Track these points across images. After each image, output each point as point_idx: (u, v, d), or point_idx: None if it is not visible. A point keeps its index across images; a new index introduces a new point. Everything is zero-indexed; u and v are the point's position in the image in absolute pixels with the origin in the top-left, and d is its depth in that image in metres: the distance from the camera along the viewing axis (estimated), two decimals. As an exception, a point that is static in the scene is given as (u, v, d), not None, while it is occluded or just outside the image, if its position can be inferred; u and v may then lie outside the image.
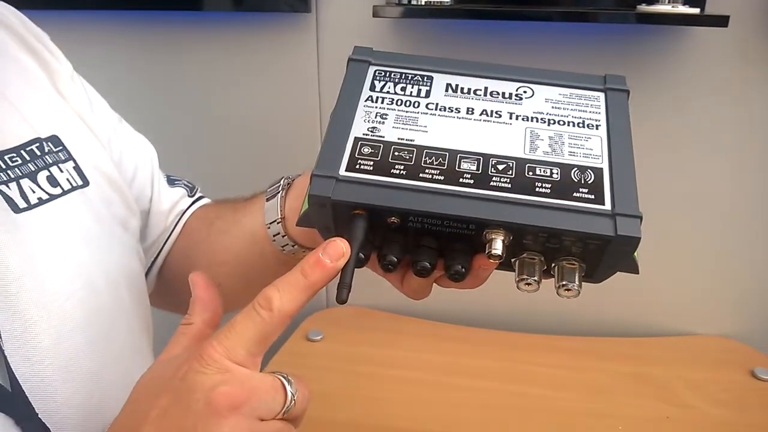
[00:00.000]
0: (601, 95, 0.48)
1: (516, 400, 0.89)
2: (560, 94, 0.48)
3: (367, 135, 0.45)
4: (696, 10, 0.85)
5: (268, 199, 0.58)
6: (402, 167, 0.43)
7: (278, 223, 0.56)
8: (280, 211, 0.57)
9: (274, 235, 0.57)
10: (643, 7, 0.86)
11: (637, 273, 0.43)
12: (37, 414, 0.44)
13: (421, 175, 0.42)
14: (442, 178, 0.42)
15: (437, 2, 0.88)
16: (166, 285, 0.69)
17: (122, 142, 0.63)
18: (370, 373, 0.95)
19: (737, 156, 0.95)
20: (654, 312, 1.06)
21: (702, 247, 1.01)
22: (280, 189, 0.57)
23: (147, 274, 0.67)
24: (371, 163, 0.43)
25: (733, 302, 1.03)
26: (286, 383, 0.40)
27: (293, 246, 0.57)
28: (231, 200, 0.66)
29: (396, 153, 0.43)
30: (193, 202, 0.69)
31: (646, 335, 1.05)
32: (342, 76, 0.49)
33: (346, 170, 0.42)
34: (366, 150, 0.44)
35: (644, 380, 0.94)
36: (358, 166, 0.43)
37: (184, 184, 0.70)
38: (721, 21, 0.83)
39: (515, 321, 1.07)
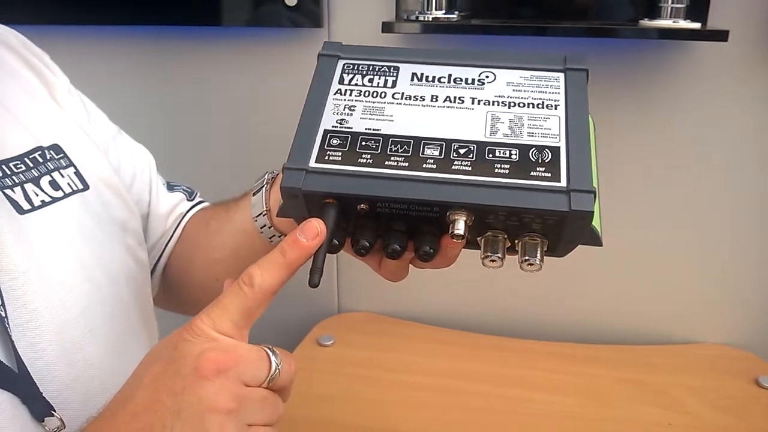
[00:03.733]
0: (561, 75, 0.50)
1: (518, 404, 0.91)
2: (521, 77, 0.50)
3: (335, 127, 0.47)
4: (697, 25, 0.86)
5: (254, 194, 0.62)
6: (369, 156, 0.45)
7: (264, 215, 0.60)
8: (265, 204, 0.60)
9: (261, 227, 0.60)
10: (646, 22, 0.88)
11: (601, 245, 0.45)
12: (42, 393, 0.48)
13: (386, 162, 0.45)
14: (407, 164, 0.44)
15: (445, 18, 0.91)
16: (169, 286, 0.72)
17: (120, 151, 0.67)
18: (378, 377, 0.97)
19: (739, 166, 0.96)
20: (656, 319, 1.07)
21: (705, 254, 1.02)
22: (264, 183, 0.61)
23: (151, 275, 0.70)
24: (340, 153, 0.45)
25: (737, 310, 1.04)
26: (271, 354, 0.43)
27: (279, 237, 0.60)
28: (226, 201, 0.69)
29: (363, 143, 0.46)
30: (193, 206, 0.73)
31: (648, 343, 1.06)
32: None
33: (315, 162, 0.45)
34: (335, 141, 0.46)
35: (646, 387, 0.95)
36: (327, 157, 0.45)
37: (183, 189, 0.73)
38: (721, 36, 0.85)
39: (520, 327, 1.09)
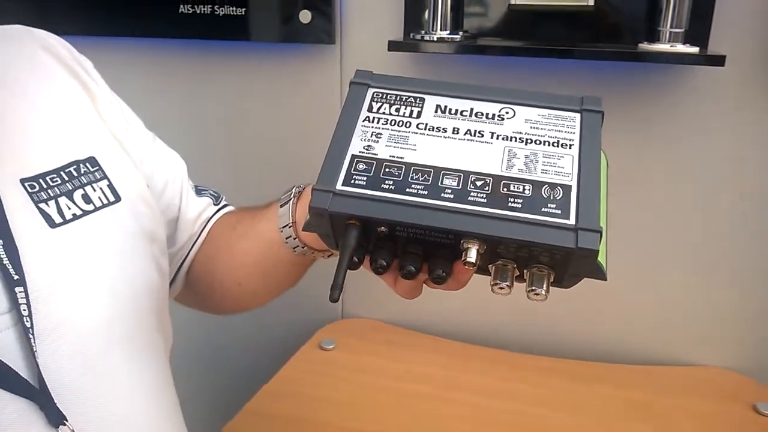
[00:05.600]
0: (578, 116, 0.51)
1: (514, 417, 0.92)
2: (539, 115, 0.51)
3: (362, 152, 0.49)
4: (695, 50, 0.88)
5: (281, 206, 0.64)
6: (391, 182, 0.47)
7: (290, 227, 0.62)
8: (291, 216, 0.62)
9: (286, 238, 0.63)
10: (645, 46, 0.90)
11: (605, 279, 0.47)
12: (55, 403, 0.50)
13: (407, 189, 0.47)
14: (426, 192, 0.47)
15: (449, 38, 0.94)
16: (192, 285, 0.75)
17: (155, 158, 0.70)
18: (376, 382, 1.00)
19: (737, 189, 0.97)
20: (658, 342, 1.07)
21: (707, 278, 1.03)
22: (291, 197, 0.63)
23: (176, 276, 0.73)
24: (364, 178, 0.47)
25: (736, 334, 1.04)
26: None
27: (303, 248, 0.63)
28: (251, 208, 0.72)
29: (387, 169, 0.48)
30: (218, 210, 0.75)
31: (649, 364, 1.06)
32: None
33: (342, 185, 0.47)
34: (361, 166, 0.48)
35: (644, 408, 0.95)
36: (353, 181, 0.47)
37: (210, 194, 0.76)
38: (718, 60, 0.87)
39: (521, 342, 1.10)
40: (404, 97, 0.52)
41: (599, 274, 0.47)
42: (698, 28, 0.90)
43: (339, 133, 0.50)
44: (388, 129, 0.51)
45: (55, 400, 0.50)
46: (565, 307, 1.06)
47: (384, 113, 0.52)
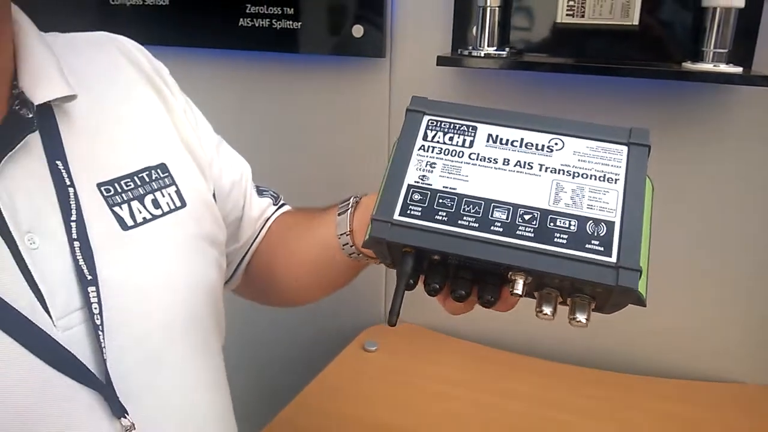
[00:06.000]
0: (624, 149, 0.52)
1: (545, 424, 0.94)
2: (587, 147, 0.52)
3: (418, 182, 0.51)
4: (738, 70, 0.90)
5: (339, 214, 0.67)
6: (444, 214, 0.50)
7: (347, 235, 0.66)
8: (349, 225, 0.66)
9: (343, 245, 0.66)
10: (689, 65, 0.92)
11: (644, 306, 0.49)
12: (117, 396, 0.54)
13: (459, 222, 0.49)
14: (477, 225, 0.49)
15: (496, 54, 0.98)
16: (251, 279, 0.79)
17: (222, 161, 0.74)
18: (416, 384, 1.03)
19: None
20: (695, 356, 1.08)
21: (749, 296, 1.03)
22: (349, 207, 0.67)
23: (236, 270, 0.77)
24: (420, 209, 0.50)
25: None
26: None
27: (359, 255, 0.66)
28: (308, 210, 0.76)
29: (440, 200, 0.50)
30: (277, 209, 0.80)
31: (686, 378, 1.08)
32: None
33: (399, 215, 0.50)
34: (416, 197, 0.51)
35: (680, 422, 0.96)
36: (409, 212, 0.50)
37: (271, 194, 0.80)
38: (762, 81, 0.88)
39: (558, 352, 1.12)
40: (457, 126, 0.54)
41: (639, 302, 0.48)
42: (743, 49, 0.91)
43: (396, 162, 0.53)
44: (442, 159, 0.52)
45: (118, 394, 0.54)
46: (603, 319, 1.08)
47: (438, 142, 0.53)
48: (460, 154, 0.52)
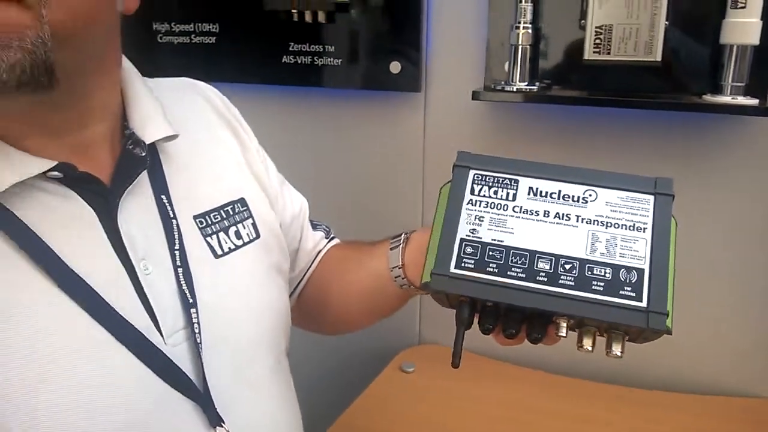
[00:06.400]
0: (651, 199, 0.59)
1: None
2: (618, 197, 0.59)
3: (469, 236, 0.58)
4: (754, 102, 0.96)
5: (391, 248, 0.74)
6: (495, 265, 0.57)
7: (399, 268, 0.72)
8: (401, 258, 0.72)
9: (395, 276, 0.72)
10: (708, 98, 0.98)
11: (671, 335, 0.55)
12: (215, 407, 0.60)
13: (508, 272, 0.56)
14: (524, 275, 0.56)
15: (526, 89, 1.04)
16: (302, 306, 0.85)
17: (286, 198, 0.81)
18: (453, 404, 1.08)
19: None
20: (729, 373, 1.12)
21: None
22: (401, 242, 0.73)
23: (289, 298, 0.82)
24: (472, 261, 0.57)
25: None
26: None
27: (410, 286, 0.72)
28: (358, 243, 0.83)
29: (490, 252, 0.57)
30: (328, 242, 0.86)
31: (719, 394, 1.12)
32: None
33: (454, 268, 0.57)
34: (469, 250, 0.58)
35: None
36: (463, 264, 0.57)
37: (324, 228, 0.87)
38: None
39: (591, 370, 1.16)
40: (501, 179, 0.60)
41: (667, 333, 0.55)
42: (758, 82, 0.97)
43: (448, 216, 0.60)
44: (489, 212, 0.59)
45: (216, 405, 0.60)
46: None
47: (484, 196, 0.60)
48: (505, 207, 0.59)
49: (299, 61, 1.19)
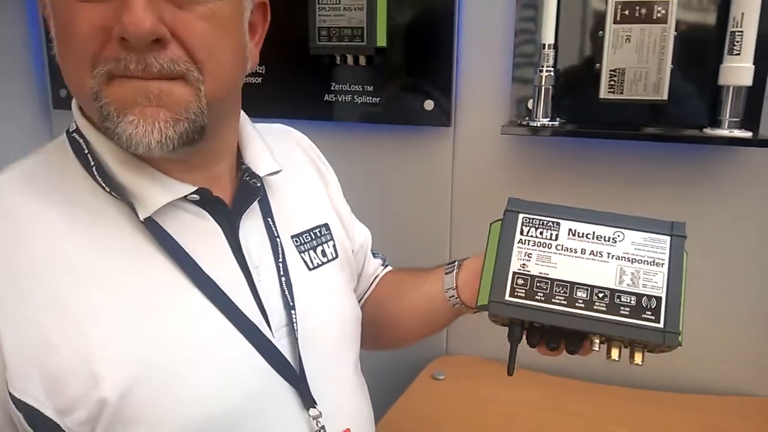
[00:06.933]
0: (668, 239, 0.71)
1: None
2: (642, 238, 0.71)
3: (520, 270, 0.71)
4: (749, 134, 1.09)
5: (446, 273, 0.85)
6: (541, 294, 0.69)
7: (453, 289, 0.84)
8: (455, 281, 0.84)
9: (449, 297, 0.84)
10: (708, 131, 1.11)
11: (681, 346, 0.67)
12: (310, 390, 0.71)
13: (553, 300, 0.69)
14: (566, 302, 0.69)
15: (548, 124, 1.17)
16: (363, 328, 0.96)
17: (355, 227, 0.93)
18: (484, 407, 1.19)
19: None
20: (732, 375, 1.24)
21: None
22: (455, 268, 0.85)
23: None
24: (523, 291, 0.70)
25: None
26: None
27: (462, 306, 0.84)
28: (409, 269, 0.95)
29: (537, 284, 0.70)
30: (384, 269, 0.99)
31: (722, 394, 1.23)
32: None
33: (508, 296, 0.69)
34: (520, 281, 0.70)
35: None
36: (515, 294, 0.69)
37: (381, 256, 0.99)
38: (767, 143, 1.08)
39: (605, 374, 1.27)
40: (545, 222, 0.73)
41: (679, 346, 0.68)
42: (751, 117, 1.11)
43: (501, 252, 0.72)
44: (536, 250, 0.72)
45: (311, 391, 0.71)
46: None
47: (532, 236, 0.73)
48: (549, 246, 0.72)
49: (340, 99, 1.32)
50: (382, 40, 1.25)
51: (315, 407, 0.71)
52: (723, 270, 1.21)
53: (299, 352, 0.71)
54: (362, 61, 1.27)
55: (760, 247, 1.19)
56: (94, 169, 0.65)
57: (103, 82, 0.59)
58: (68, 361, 0.59)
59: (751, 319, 1.22)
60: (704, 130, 1.13)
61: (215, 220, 0.69)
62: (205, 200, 0.68)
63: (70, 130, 0.68)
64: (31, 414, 0.58)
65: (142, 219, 0.64)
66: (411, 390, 1.24)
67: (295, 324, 0.72)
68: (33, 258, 0.60)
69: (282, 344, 0.70)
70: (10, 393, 0.58)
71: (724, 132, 1.10)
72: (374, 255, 0.98)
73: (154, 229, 0.64)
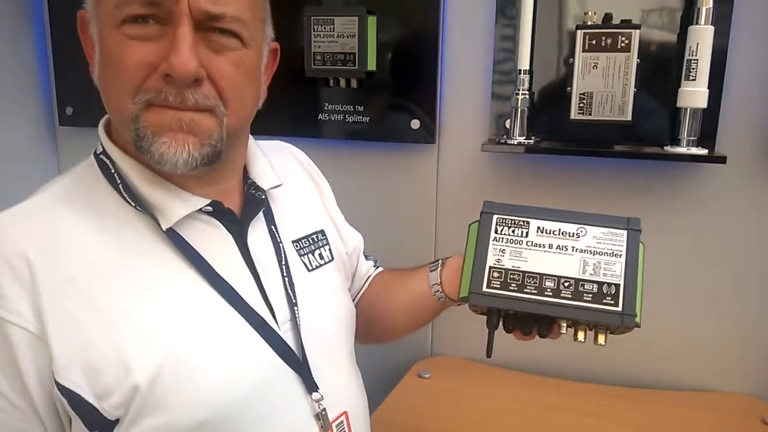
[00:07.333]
0: (625, 233, 0.79)
1: (576, 427, 1.21)
2: (601, 233, 0.80)
3: (495, 264, 0.79)
4: (704, 151, 1.19)
5: (431, 271, 0.95)
6: (514, 285, 0.78)
7: (438, 285, 0.93)
8: (439, 278, 0.93)
9: (434, 292, 0.94)
10: (669, 149, 1.21)
11: (639, 327, 0.76)
12: (313, 377, 0.80)
13: (525, 290, 0.77)
14: (536, 292, 0.77)
15: (525, 142, 1.27)
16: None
17: (348, 232, 1.02)
18: (468, 401, 1.29)
19: (741, 254, 1.27)
20: (691, 372, 1.33)
21: (728, 324, 1.30)
22: (438, 266, 0.94)
23: None
24: (499, 283, 0.78)
25: (754, 367, 1.31)
26: None
27: (446, 299, 0.93)
28: (398, 270, 1.04)
29: (511, 276, 0.78)
30: (376, 269, 1.08)
31: (683, 389, 1.33)
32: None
33: (486, 287, 0.78)
34: (495, 274, 0.79)
35: (680, 423, 1.21)
36: (492, 285, 0.78)
37: (372, 259, 1.08)
38: (721, 159, 1.18)
39: (574, 371, 1.38)
40: (517, 221, 0.82)
41: (637, 327, 0.77)
42: (707, 136, 1.21)
43: (479, 249, 0.81)
44: (509, 246, 0.80)
45: (314, 377, 0.80)
46: (619, 345, 1.35)
47: (505, 234, 0.81)
48: (520, 242, 0.81)
49: (333, 118, 1.42)
50: (372, 65, 1.35)
51: (317, 391, 0.80)
52: (682, 270, 1.31)
53: (302, 342, 0.80)
54: (354, 83, 1.37)
55: (716, 251, 1.29)
56: (120, 186, 0.74)
57: (143, 108, 0.68)
58: (104, 354, 0.67)
59: (714, 319, 1.32)
60: (665, 147, 1.23)
61: (226, 229, 0.78)
62: (218, 211, 0.77)
63: (97, 152, 0.77)
64: (73, 398, 0.66)
65: (164, 229, 0.73)
66: (399, 387, 1.34)
67: (297, 318, 0.80)
68: (72, 263, 0.69)
69: (287, 336, 0.79)
70: (55, 380, 0.66)
71: (682, 149, 1.20)
72: (366, 257, 1.07)
73: (174, 237, 0.73)
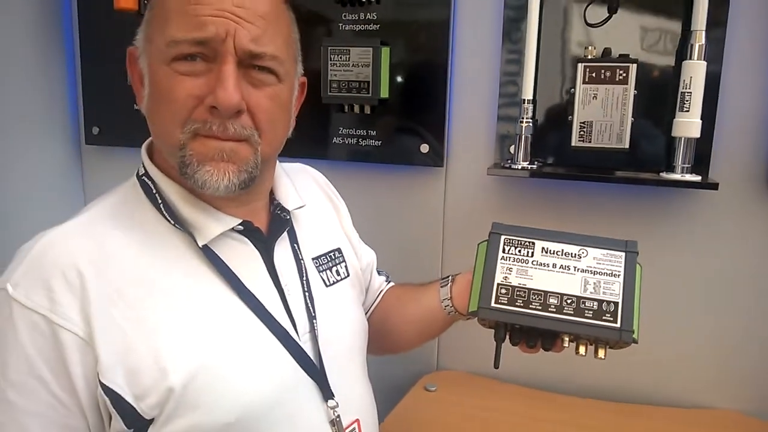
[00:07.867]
0: (623, 255, 0.85)
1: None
2: (601, 254, 0.85)
3: (503, 282, 0.85)
4: (698, 178, 1.26)
5: (441, 286, 1.01)
6: (521, 301, 0.83)
7: (448, 299, 0.99)
8: (449, 293, 1.00)
9: (445, 306, 1.00)
10: (664, 175, 1.28)
11: (637, 343, 0.81)
12: (329, 385, 0.86)
13: (530, 306, 0.83)
14: (540, 308, 0.83)
15: (528, 167, 1.35)
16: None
17: (362, 249, 1.08)
18: (472, 413, 1.34)
19: (735, 272, 1.32)
20: (683, 389, 1.38)
21: (722, 342, 1.35)
22: (449, 282, 1.00)
23: None
24: (506, 299, 0.84)
25: (745, 382, 1.35)
26: None
27: (455, 313, 0.99)
28: (409, 285, 1.11)
29: (517, 293, 0.84)
30: (388, 285, 1.14)
31: (674, 406, 1.38)
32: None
33: (494, 303, 0.84)
34: (503, 291, 0.84)
35: None
36: (499, 301, 0.84)
37: (385, 274, 1.15)
38: (714, 186, 1.24)
39: (576, 387, 1.43)
40: (523, 242, 0.88)
41: (634, 343, 0.82)
42: (700, 164, 1.28)
43: (487, 267, 0.86)
44: (515, 265, 0.86)
45: (330, 386, 0.87)
46: (617, 362, 1.40)
47: (512, 254, 0.87)
48: (526, 262, 0.87)
49: (347, 142, 1.49)
50: (384, 92, 1.42)
51: (333, 399, 0.86)
52: (679, 292, 1.36)
53: (320, 353, 0.86)
54: (367, 109, 1.44)
55: (709, 271, 1.35)
56: (161, 205, 0.81)
57: (190, 138, 0.76)
58: (143, 358, 0.74)
59: (706, 338, 1.37)
60: (661, 173, 1.29)
61: (255, 246, 0.85)
62: (248, 230, 0.84)
63: (140, 174, 0.85)
64: (115, 398, 0.73)
65: (200, 245, 0.80)
66: (406, 400, 1.40)
67: (316, 330, 0.87)
68: (116, 275, 0.76)
69: (307, 347, 0.85)
70: (100, 381, 0.73)
71: (677, 176, 1.26)
72: (379, 273, 1.14)
73: (209, 253, 0.81)
